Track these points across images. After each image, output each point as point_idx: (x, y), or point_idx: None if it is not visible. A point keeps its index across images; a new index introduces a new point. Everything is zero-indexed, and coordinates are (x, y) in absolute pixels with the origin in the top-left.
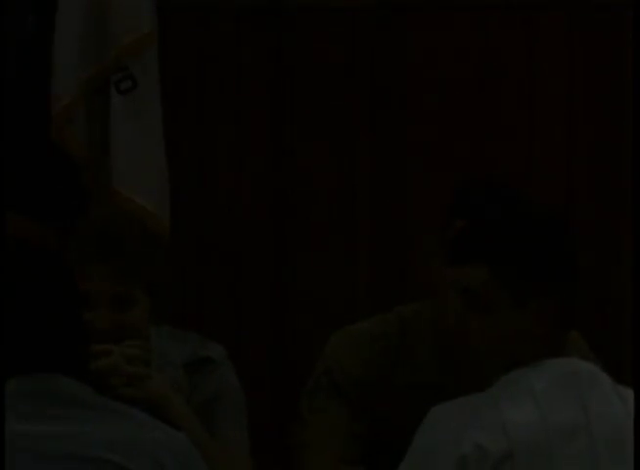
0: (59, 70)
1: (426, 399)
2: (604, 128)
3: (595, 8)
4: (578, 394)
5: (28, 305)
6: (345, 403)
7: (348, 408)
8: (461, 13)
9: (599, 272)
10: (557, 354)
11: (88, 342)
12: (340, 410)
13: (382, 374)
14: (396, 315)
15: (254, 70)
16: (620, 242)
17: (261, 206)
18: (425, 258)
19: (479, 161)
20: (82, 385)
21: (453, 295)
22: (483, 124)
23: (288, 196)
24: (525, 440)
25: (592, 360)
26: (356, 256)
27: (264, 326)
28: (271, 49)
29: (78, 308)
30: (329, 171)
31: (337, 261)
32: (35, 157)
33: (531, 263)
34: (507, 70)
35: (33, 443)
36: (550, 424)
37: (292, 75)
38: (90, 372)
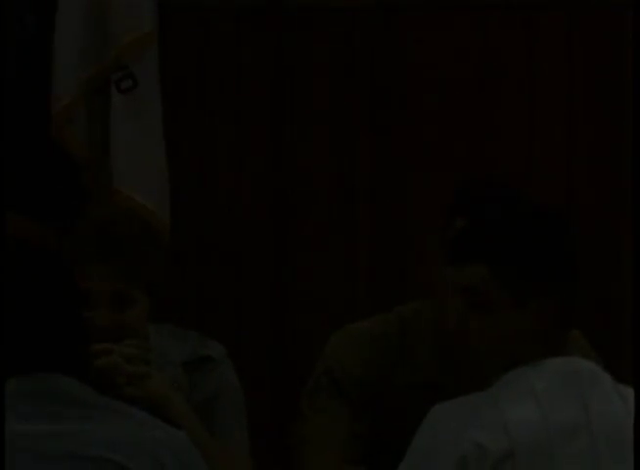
0: (59, 70)
1: (426, 399)
2: (604, 128)
3: (595, 8)
4: (579, 393)
5: (28, 305)
6: (346, 403)
7: (349, 408)
8: (461, 13)
9: (599, 272)
10: (557, 354)
11: (88, 341)
12: (340, 410)
13: (382, 374)
14: (396, 315)
15: (254, 70)
16: (620, 242)
17: (261, 206)
18: (425, 258)
19: (479, 161)
20: (82, 384)
21: (453, 294)
22: (483, 124)
23: (288, 196)
24: (525, 439)
25: (593, 359)
26: (356, 256)
27: (264, 326)
28: (271, 49)
29: (78, 308)
30: (329, 171)
31: (337, 261)
32: (35, 156)
33: (531, 263)
34: (507, 70)
35: (33, 442)
36: (551, 423)
37: (292, 75)
38: (90, 372)
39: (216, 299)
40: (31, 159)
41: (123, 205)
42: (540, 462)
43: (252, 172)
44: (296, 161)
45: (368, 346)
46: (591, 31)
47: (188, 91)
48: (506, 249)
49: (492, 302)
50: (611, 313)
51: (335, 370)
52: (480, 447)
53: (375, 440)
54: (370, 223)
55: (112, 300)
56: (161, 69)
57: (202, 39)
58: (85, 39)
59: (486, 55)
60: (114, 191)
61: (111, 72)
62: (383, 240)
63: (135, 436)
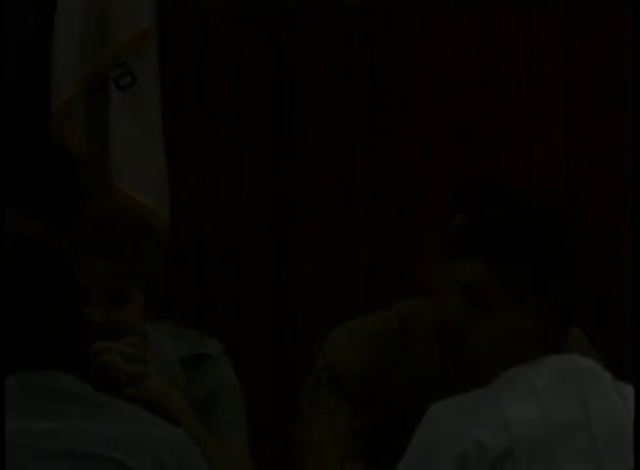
0: (58, 68)
1: (426, 396)
2: (604, 128)
3: (595, 8)
4: (579, 390)
5: (28, 303)
6: (346, 400)
7: (349, 404)
8: (461, 13)
9: (599, 272)
10: (557, 353)
11: (89, 339)
12: (340, 406)
13: (382, 370)
14: (396, 312)
15: (254, 70)
16: (620, 242)
17: (261, 206)
18: (425, 257)
19: (479, 161)
20: (82, 382)
21: (453, 292)
22: (483, 124)
23: (288, 196)
24: (525, 436)
25: (593, 357)
26: (356, 256)
27: (264, 326)
28: (271, 49)
29: (78, 305)
30: (329, 171)
31: (337, 261)
32: (35, 153)
33: (531, 263)
34: (507, 69)
35: (33, 439)
36: (551, 421)
37: (292, 75)
38: (90, 369)
39: (216, 299)
40: (31, 156)
41: (122, 202)
42: (540, 460)
43: (252, 172)
44: (296, 161)
45: (368, 342)
46: (591, 31)
47: (188, 91)
48: (506, 247)
49: (492, 299)
50: (611, 313)
51: (335, 367)
52: (479, 445)
53: (375, 436)
54: (370, 223)
55: (108, 296)
56: (161, 68)
57: (202, 39)
58: (85, 38)
59: (486, 55)
60: (114, 188)
61: (110, 69)
62: (383, 240)
63: (135, 434)
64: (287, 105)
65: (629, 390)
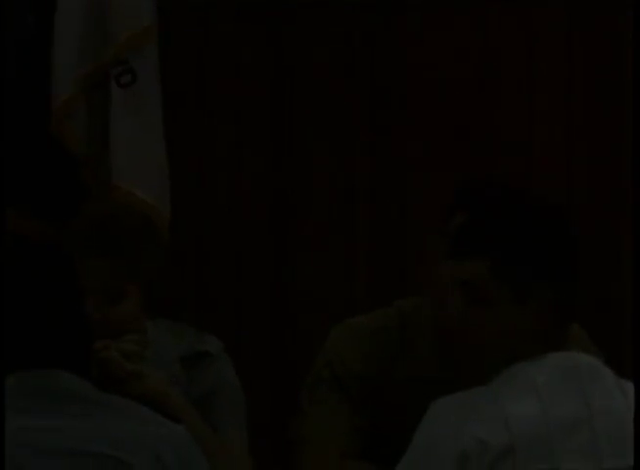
0: (59, 70)
1: (426, 394)
2: (604, 128)
3: (595, 8)
4: (580, 387)
5: (29, 301)
6: (346, 397)
7: (349, 402)
8: (461, 13)
9: (599, 272)
10: (557, 350)
11: (89, 338)
12: (340, 404)
13: (382, 368)
14: (396, 309)
15: (254, 70)
16: (620, 242)
17: (261, 206)
18: (425, 257)
19: (479, 161)
20: (83, 381)
21: (453, 291)
22: (483, 124)
23: (288, 196)
24: (526, 434)
25: (594, 353)
26: (356, 256)
27: (264, 326)
28: (271, 48)
29: (79, 305)
30: (329, 171)
31: (337, 261)
32: (35, 152)
33: (531, 262)
34: (507, 69)
35: (33, 437)
36: (551, 418)
37: (292, 75)
38: (91, 368)
39: (216, 298)
40: (31, 155)
41: (123, 200)
42: (541, 457)
43: (252, 172)
44: (296, 161)
45: (368, 340)
46: (591, 31)
47: (187, 90)
48: (506, 246)
49: (492, 298)
50: (611, 313)
51: (335, 364)
52: (480, 442)
53: (375, 434)
54: (370, 223)
55: (106, 294)
56: (161, 68)
57: (202, 38)
58: (85, 36)
59: (486, 55)
60: (114, 186)
61: (110, 67)
62: (383, 240)
63: (136, 432)
64: (287, 105)
65: (631, 386)
